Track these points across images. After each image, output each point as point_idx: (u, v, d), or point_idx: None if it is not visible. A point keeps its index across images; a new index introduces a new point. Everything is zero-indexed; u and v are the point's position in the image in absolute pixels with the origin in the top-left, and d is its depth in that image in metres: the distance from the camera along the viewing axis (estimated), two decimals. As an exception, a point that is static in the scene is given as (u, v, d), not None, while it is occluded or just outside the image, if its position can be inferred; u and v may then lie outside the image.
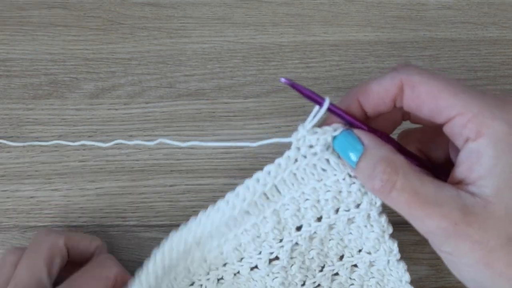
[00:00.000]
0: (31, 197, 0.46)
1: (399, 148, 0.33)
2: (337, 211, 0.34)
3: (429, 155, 0.36)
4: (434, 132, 0.35)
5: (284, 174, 0.33)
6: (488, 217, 0.27)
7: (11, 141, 0.47)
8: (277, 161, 0.33)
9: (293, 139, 0.33)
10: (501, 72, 0.50)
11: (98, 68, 0.50)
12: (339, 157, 0.33)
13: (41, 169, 0.46)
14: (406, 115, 0.35)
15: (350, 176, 0.33)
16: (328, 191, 0.33)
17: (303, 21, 0.52)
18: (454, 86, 0.30)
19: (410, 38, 0.51)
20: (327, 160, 0.33)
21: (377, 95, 0.31)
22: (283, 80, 0.32)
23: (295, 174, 0.33)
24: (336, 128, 0.32)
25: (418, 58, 0.50)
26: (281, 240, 0.34)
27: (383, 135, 0.33)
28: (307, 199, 0.33)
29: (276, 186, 0.33)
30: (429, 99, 0.30)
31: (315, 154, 0.33)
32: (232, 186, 0.35)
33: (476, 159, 0.28)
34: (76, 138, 0.47)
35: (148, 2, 0.52)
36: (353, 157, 0.31)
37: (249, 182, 0.33)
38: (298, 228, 0.34)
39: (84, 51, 0.50)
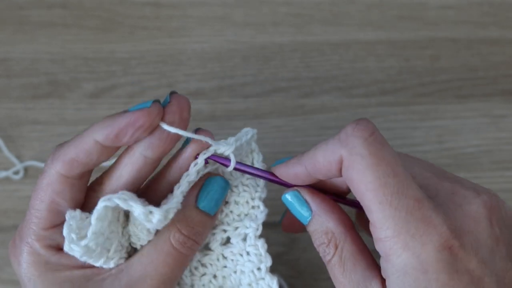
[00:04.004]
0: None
1: (334, 199, 0.33)
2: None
3: None
4: None
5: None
6: None
7: (10, 140, 0.47)
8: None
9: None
10: (502, 72, 0.50)
11: (98, 67, 0.50)
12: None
13: (41, 169, 0.46)
14: None
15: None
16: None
17: (303, 21, 0.51)
18: (385, 191, 0.27)
19: (410, 38, 0.51)
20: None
21: (323, 167, 0.30)
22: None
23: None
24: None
25: (418, 58, 0.50)
26: None
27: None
28: None
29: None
30: (356, 189, 0.28)
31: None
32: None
33: (387, 277, 0.28)
34: (76, 138, 0.47)
35: (148, 1, 0.52)
36: (303, 219, 0.32)
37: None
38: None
39: (84, 51, 0.50)
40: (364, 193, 0.27)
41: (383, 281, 0.29)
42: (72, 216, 0.30)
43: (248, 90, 0.49)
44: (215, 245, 0.33)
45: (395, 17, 0.52)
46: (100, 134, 0.29)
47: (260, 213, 0.33)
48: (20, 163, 0.46)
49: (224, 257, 0.33)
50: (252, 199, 0.33)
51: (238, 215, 0.33)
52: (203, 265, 0.33)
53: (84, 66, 0.50)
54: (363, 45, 0.51)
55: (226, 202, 0.33)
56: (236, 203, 0.33)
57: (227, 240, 0.33)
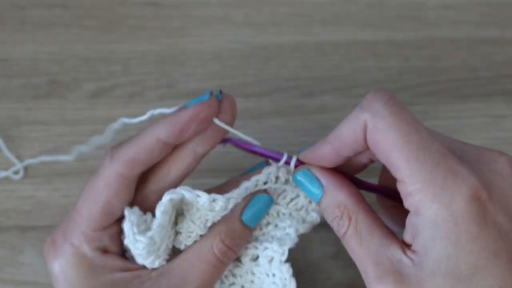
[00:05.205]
0: (31, 197, 0.46)
1: (353, 180, 0.33)
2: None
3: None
4: None
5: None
6: None
7: (10, 140, 0.47)
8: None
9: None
10: (502, 72, 0.50)
11: (98, 67, 0.50)
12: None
13: (41, 169, 0.46)
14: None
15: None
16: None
17: (303, 21, 0.51)
18: (410, 147, 0.27)
19: (410, 38, 0.51)
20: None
21: (349, 138, 0.30)
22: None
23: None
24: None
25: (418, 58, 0.50)
26: None
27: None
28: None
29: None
30: (382, 150, 0.28)
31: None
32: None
33: (416, 233, 0.28)
34: (76, 137, 0.47)
35: (148, 2, 0.52)
36: (314, 197, 0.32)
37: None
38: None
39: (84, 51, 0.50)
40: (390, 152, 0.28)
41: (402, 245, 0.29)
42: (132, 212, 0.30)
43: (248, 90, 0.49)
44: (245, 259, 0.34)
45: (395, 17, 0.52)
46: (163, 131, 0.30)
47: (290, 240, 0.33)
48: (20, 163, 0.46)
49: (253, 273, 0.34)
50: (289, 227, 0.33)
51: (272, 237, 0.34)
52: (233, 275, 0.34)
53: (84, 66, 0.50)
54: (363, 45, 0.51)
55: (268, 223, 0.34)
56: (276, 226, 0.34)
57: (257, 257, 0.34)
